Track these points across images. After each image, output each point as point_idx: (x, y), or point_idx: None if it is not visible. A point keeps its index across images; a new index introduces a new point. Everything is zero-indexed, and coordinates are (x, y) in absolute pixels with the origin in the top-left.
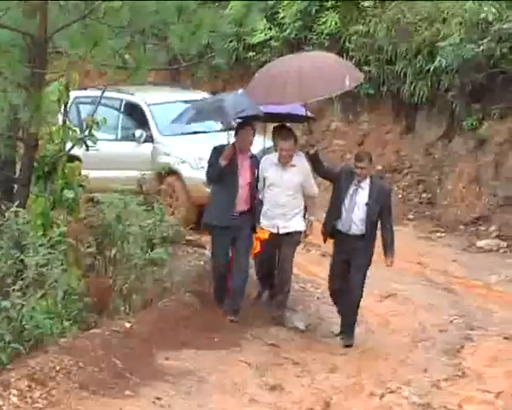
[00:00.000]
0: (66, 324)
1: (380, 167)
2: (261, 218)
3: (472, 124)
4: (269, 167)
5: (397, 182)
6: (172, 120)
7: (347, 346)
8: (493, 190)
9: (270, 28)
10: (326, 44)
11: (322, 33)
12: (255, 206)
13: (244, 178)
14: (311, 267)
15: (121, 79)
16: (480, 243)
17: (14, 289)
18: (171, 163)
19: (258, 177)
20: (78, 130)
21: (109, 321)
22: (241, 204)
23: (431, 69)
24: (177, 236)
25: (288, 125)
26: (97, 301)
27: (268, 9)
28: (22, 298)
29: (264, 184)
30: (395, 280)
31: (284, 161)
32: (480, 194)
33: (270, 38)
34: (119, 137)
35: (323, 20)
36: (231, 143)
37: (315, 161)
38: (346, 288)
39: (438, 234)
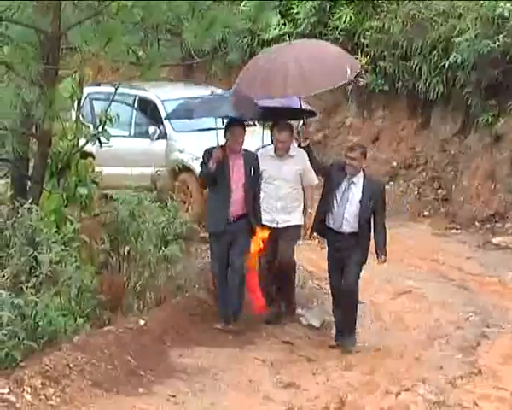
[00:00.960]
0: (80, 321)
1: (394, 164)
2: (262, 212)
3: (487, 120)
4: (266, 160)
5: (412, 178)
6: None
7: (348, 352)
8: (509, 187)
9: (285, 24)
10: (341, 40)
11: (336, 29)
12: (256, 207)
13: (237, 179)
14: (325, 264)
15: (135, 75)
16: (496, 240)
17: (27, 286)
18: (184, 160)
19: (256, 174)
20: (91, 126)
21: (123, 318)
22: (237, 208)
23: (446, 65)
24: (191, 233)
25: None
26: (111, 299)
27: (282, 5)
28: (36, 295)
29: (262, 177)
30: (410, 277)
31: (281, 153)
32: (495, 190)
33: (284, 34)
34: (133, 133)
35: (338, 15)
36: (220, 144)
37: (307, 154)
38: (341, 288)
39: (453, 231)
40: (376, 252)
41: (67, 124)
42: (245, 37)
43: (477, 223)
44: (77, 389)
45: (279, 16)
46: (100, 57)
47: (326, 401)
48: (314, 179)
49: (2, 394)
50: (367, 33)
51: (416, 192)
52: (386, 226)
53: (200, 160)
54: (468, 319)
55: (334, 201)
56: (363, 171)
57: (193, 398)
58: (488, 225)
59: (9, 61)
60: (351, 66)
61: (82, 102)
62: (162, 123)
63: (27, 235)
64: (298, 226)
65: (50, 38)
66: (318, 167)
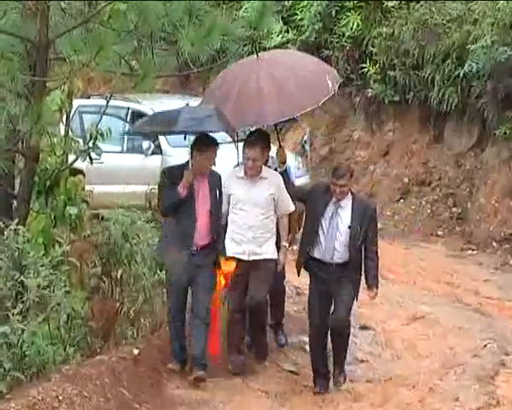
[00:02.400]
0: (70, 350)
1: (406, 180)
2: (226, 244)
3: (505, 133)
4: (234, 182)
5: (425, 196)
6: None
7: (339, 383)
8: None
9: (288, 31)
10: (348, 48)
11: (343, 36)
12: (219, 235)
13: (203, 205)
14: None
15: (127, 87)
16: None
17: (13, 313)
18: None
19: (220, 198)
20: (81, 141)
21: (116, 347)
22: (201, 237)
23: (461, 74)
24: None
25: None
26: (103, 326)
27: (285, 11)
28: (23, 322)
29: (229, 202)
30: (423, 301)
31: (252, 173)
32: None
33: (288, 42)
34: (126, 148)
35: (345, 21)
36: (189, 165)
37: (283, 178)
38: (330, 326)
39: (469, 251)
40: (367, 283)
41: (56, 139)
42: (245, 45)
43: (494, 243)
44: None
45: (282, 23)
46: (90, 68)
47: None
48: (290, 206)
49: None
50: (375, 40)
51: (429, 210)
52: (379, 254)
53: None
54: (485, 346)
55: (321, 228)
56: (352, 192)
57: None
58: (507, 246)
59: None
60: (330, 77)
61: (71, 115)
62: (157, 137)
63: (13, 258)
64: (271, 261)
65: (37, 48)
66: (297, 194)
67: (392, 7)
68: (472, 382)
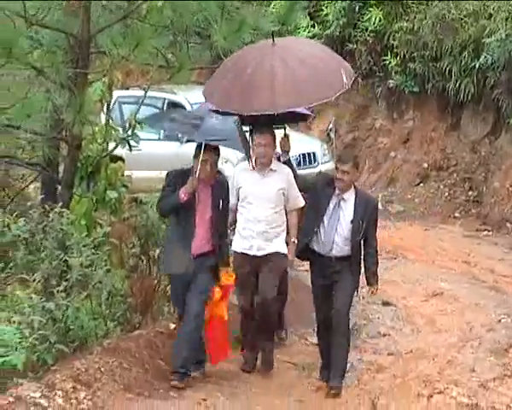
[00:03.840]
0: (111, 325)
1: (425, 165)
2: (234, 240)
3: None
4: (243, 176)
5: (443, 180)
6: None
7: (333, 388)
8: None
9: (314, 26)
10: (370, 41)
11: (366, 30)
12: (223, 245)
13: (203, 213)
14: None
15: (164, 79)
16: None
17: (58, 290)
18: None
19: (225, 207)
20: (120, 130)
21: (153, 322)
22: (199, 245)
23: (477, 66)
24: None
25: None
26: (141, 302)
27: (311, 7)
28: (67, 299)
29: (239, 197)
30: (441, 279)
31: (263, 160)
32: None
33: (314, 36)
34: (162, 136)
35: (367, 16)
36: (196, 172)
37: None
38: (331, 320)
39: (484, 232)
40: (367, 279)
41: (97, 128)
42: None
43: (508, 224)
44: (108, 392)
45: (308, 18)
46: (129, 61)
47: (357, 404)
48: (300, 202)
49: (34, 398)
50: (396, 34)
51: (446, 194)
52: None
53: (229, 162)
54: (500, 321)
55: (321, 222)
56: (355, 186)
57: (224, 402)
58: None
59: (39, 65)
60: (345, 71)
61: (111, 105)
62: None
63: (58, 239)
64: (281, 255)
65: (80, 42)
66: (300, 184)
67: (412, 2)
68: (487, 354)
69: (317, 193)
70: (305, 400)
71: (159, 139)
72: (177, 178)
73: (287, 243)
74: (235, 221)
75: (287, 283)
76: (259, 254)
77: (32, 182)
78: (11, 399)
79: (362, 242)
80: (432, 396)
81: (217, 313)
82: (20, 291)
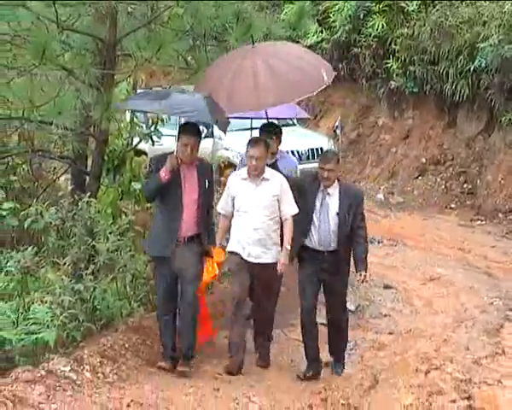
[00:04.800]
0: (134, 305)
1: (424, 160)
2: (230, 244)
3: (510, 119)
4: (237, 185)
5: (440, 174)
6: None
7: (336, 373)
8: None
9: (322, 31)
10: (373, 46)
11: (370, 36)
12: (209, 226)
13: (190, 194)
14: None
15: (184, 79)
16: None
17: (86, 273)
18: (229, 157)
19: (210, 188)
20: (144, 126)
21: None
22: (188, 228)
23: (471, 69)
24: None
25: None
26: None
27: (319, 14)
28: (94, 281)
29: (234, 206)
30: (438, 265)
31: (255, 173)
32: None
33: (322, 40)
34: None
35: (371, 23)
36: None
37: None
38: (328, 321)
39: (478, 222)
40: (356, 267)
41: (122, 124)
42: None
43: (500, 214)
44: (132, 367)
45: (317, 24)
46: (152, 63)
47: (360, 379)
48: (293, 208)
49: (64, 371)
50: (398, 40)
51: (443, 186)
52: (368, 241)
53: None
54: (492, 303)
55: (312, 218)
56: (338, 179)
57: (239, 377)
58: (511, 217)
59: (70, 66)
60: (325, 69)
61: None
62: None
63: (86, 226)
64: (276, 266)
65: (107, 45)
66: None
67: (412, 11)
68: (480, 334)
69: (305, 192)
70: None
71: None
72: (160, 162)
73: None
74: (229, 228)
75: (280, 283)
76: (257, 261)
77: (62, 174)
78: (43, 372)
79: (350, 233)
80: (429, 372)
81: (202, 290)
82: (52, 274)
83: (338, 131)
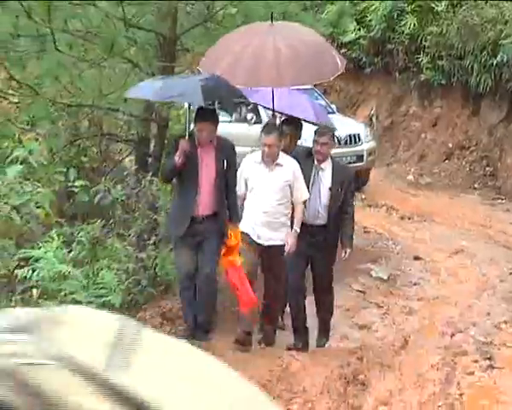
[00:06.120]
0: None
1: (450, 145)
2: (243, 223)
3: None
4: (250, 167)
5: (464, 157)
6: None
7: (320, 346)
8: None
9: (360, 29)
10: (406, 43)
11: (402, 33)
12: (232, 204)
13: (207, 174)
14: (392, 228)
15: None
16: None
17: (149, 244)
18: None
19: (232, 168)
20: None
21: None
22: (205, 206)
23: (494, 63)
24: None
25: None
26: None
27: (357, 14)
28: (155, 251)
29: (246, 187)
30: (463, 239)
31: (268, 159)
32: None
33: (359, 38)
34: (234, 119)
35: (404, 22)
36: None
37: None
38: (315, 294)
39: (498, 201)
40: (342, 243)
41: (181, 111)
42: (327, 40)
43: None
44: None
45: (355, 23)
46: None
47: (392, 340)
48: (305, 194)
49: None
50: (428, 37)
51: (467, 169)
52: (355, 218)
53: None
54: (510, 273)
55: None
56: (331, 157)
57: (282, 338)
58: None
59: (135, 59)
60: (338, 57)
61: None
62: (258, 110)
63: (149, 201)
64: (283, 246)
65: (168, 41)
66: None
67: (441, 11)
68: (500, 301)
69: (300, 166)
70: (348, 337)
71: (230, 122)
72: (177, 142)
73: None
74: (242, 208)
75: (284, 267)
76: (265, 243)
77: (127, 155)
78: None
79: (340, 209)
80: (454, 335)
81: (231, 262)
82: (118, 244)
83: (373, 119)
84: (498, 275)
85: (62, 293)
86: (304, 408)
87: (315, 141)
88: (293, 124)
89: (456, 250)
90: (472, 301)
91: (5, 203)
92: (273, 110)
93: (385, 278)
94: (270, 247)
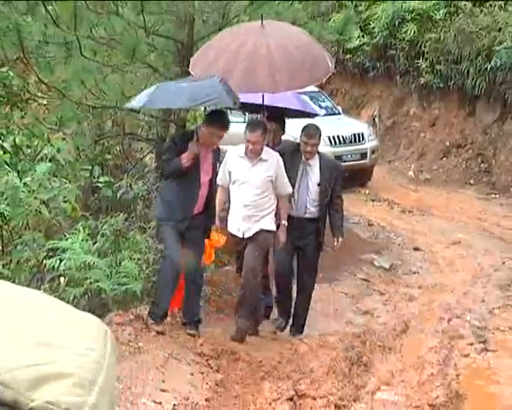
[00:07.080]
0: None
1: (447, 143)
2: (228, 220)
3: None
4: (234, 161)
5: (461, 155)
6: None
7: (293, 335)
8: None
9: (364, 36)
10: (406, 48)
11: (403, 40)
12: (213, 205)
13: (206, 176)
14: (394, 221)
15: None
16: None
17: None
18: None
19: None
20: None
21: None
22: (199, 205)
23: (488, 68)
24: None
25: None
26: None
27: (361, 21)
28: None
29: (230, 179)
30: (459, 231)
31: (251, 155)
32: None
33: (363, 44)
34: (246, 119)
35: (404, 29)
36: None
37: None
38: (298, 287)
39: (493, 196)
40: (333, 233)
41: (198, 113)
42: (333, 46)
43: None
44: (204, 313)
45: (359, 30)
46: None
47: (394, 325)
48: (288, 188)
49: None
50: (427, 43)
51: (464, 166)
52: (344, 211)
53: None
54: (504, 263)
55: (294, 188)
56: (318, 152)
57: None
58: None
59: (155, 64)
60: (328, 57)
61: None
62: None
63: None
64: (266, 231)
65: (185, 47)
66: None
67: (439, 19)
68: (494, 289)
69: (285, 162)
70: (353, 322)
71: (244, 122)
72: (181, 141)
73: (277, 227)
74: (228, 200)
75: (263, 255)
76: (246, 236)
77: (148, 153)
78: (132, 316)
79: (328, 202)
80: (451, 320)
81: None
82: (139, 236)
83: (376, 119)
84: (493, 264)
85: (88, 281)
86: (311, 388)
87: (304, 142)
88: (277, 120)
89: (453, 241)
90: (468, 288)
91: (35, 198)
92: (263, 106)
93: (387, 267)
94: (252, 236)
